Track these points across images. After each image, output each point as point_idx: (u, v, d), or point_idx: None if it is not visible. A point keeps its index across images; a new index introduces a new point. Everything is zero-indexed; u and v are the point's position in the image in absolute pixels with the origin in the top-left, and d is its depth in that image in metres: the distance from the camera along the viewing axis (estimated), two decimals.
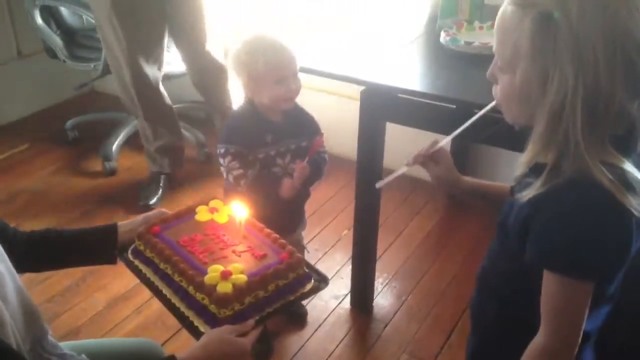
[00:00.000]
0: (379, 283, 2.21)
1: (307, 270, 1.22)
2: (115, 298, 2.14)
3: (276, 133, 1.68)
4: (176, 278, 1.16)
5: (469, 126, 1.25)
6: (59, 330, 1.97)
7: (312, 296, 1.22)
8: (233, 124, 1.69)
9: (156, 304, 2.09)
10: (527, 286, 0.96)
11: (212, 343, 1.06)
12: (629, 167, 0.88)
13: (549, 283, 0.93)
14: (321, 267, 1.32)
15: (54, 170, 2.90)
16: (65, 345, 1.20)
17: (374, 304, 2.13)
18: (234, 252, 1.22)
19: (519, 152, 1.28)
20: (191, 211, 1.35)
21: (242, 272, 1.14)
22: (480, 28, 1.95)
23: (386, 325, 2.05)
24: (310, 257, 2.01)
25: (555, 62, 0.85)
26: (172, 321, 1.99)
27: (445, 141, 1.25)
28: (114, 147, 2.88)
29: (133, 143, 3.06)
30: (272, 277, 1.14)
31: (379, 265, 2.16)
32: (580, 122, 0.85)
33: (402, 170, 1.28)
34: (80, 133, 3.12)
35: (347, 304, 2.13)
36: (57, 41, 2.75)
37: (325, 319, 2.07)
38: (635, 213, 0.86)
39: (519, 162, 0.94)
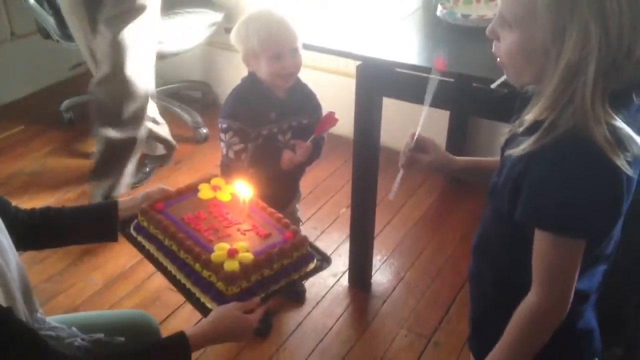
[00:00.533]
0: (377, 260, 2.21)
1: (310, 250, 1.23)
2: (112, 277, 2.14)
3: (280, 110, 1.67)
4: (182, 255, 1.17)
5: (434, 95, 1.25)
6: (57, 310, 1.96)
7: (314, 275, 1.23)
8: (237, 98, 1.67)
9: (154, 283, 2.09)
10: (521, 248, 0.96)
11: (221, 319, 1.08)
12: (619, 123, 0.87)
13: (540, 241, 0.93)
14: (319, 245, 1.33)
15: (49, 151, 2.89)
16: (55, 319, 1.21)
17: (372, 281, 2.13)
18: (238, 230, 1.23)
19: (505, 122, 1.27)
20: (193, 188, 1.35)
21: (247, 251, 1.15)
22: (478, 1, 1.93)
23: (384, 302, 2.06)
24: (308, 235, 1.98)
25: (575, 16, 0.83)
26: (171, 299, 2.02)
27: (420, 127, 1.25)
28: None
29: None
30: (277, 255, 1.16)
31: (376, 243, 2.15)
32: (593, 78, 0.83)
33: (400, 174, 1.29)
34: (75, 114, 3.10)
35: (345, 281, 2.13)
36: (50, 21, 2.72)
37: (324, 296, 2.07)
38: (624, 170, 0.85)
39: (524, 119, 0.93)
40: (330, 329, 1.95)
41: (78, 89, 3.34)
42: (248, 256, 1.13)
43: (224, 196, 1.33)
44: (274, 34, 1.60)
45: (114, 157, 2.38)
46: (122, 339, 1.25)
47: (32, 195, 2.56)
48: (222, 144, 1.67)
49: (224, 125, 1.64)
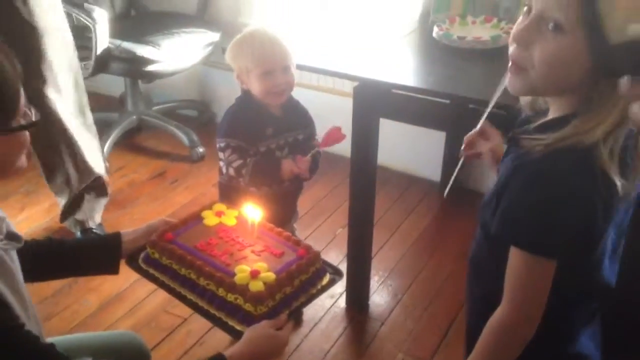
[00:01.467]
0: (374, 281, 2.19)
1: (322, 264, 1.26)
2: (107, 299, 2.11)
3: (276, 126, 1.69)
4: (202, 282, 1.17)
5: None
6: (50, 333, 1.91)
7: (330, 288, 1.25)
8: (234, 117, 1.69)
9: (149, 305, 2.07)
10: (505, 264, 0.96)
11: (257, 338, 1.09)
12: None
13: (513, 256, 0.93)
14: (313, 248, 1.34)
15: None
16: None
17: (369, 303, 2.11)
18: (253, 252, 1.24)
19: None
20: (197, 216, 1.35)
21: (267, 271, 1.17)
22: (473, 23, 1.94)
23: (382, 324, 2.04)
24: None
25: None
26: (166, 322, 1.99)
27: (486, 114, 1.20)
28: (106, 147, 2.84)
29: (125, 143, 3.04)
30: (296, 272, 1.18)
31: (374, 264, 2.14)
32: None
33: (460, 163, 1.26)
34: None
35: (342, 302, 2.11)
36: None
37: (321, 317, 2.05)
38: (619, 188, 0.85)
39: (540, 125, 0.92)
40: (327, 352, 1.93)
41: None
42: (270, 276, 1.15)
43: (229, 220, 1.33)
44: (266, 52, 1.62)
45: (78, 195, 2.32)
46: None
47: (28, 215, 2.55)
48: (222, 163, 1.68)
49: (222, 144, 1.65)
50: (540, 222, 0.88)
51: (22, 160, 1.04)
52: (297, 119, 1.75)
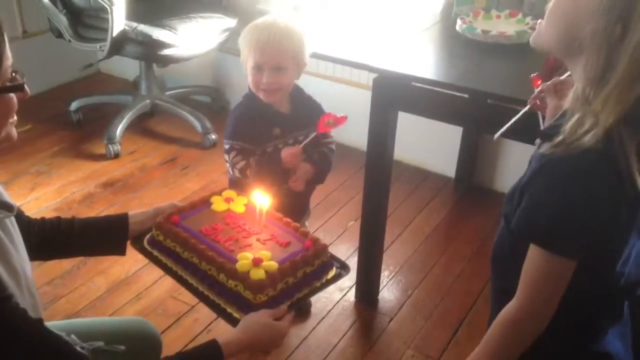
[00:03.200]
0: (384, 276, 2.16)
1: (329, 258, 1.24)
2: (116, 282, 2.10)
3: (283, 125, 1.64)
4: (203, 266, 1.16)
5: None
6: (57, 314, 1.93)
7: (335, 283, 1.24)
8: (239, 119, 1.64)
9: (158, 290, 2.06)
10: (521, 256, 0.95)
11: (253, 326, 1.07)
12: None
13: (532, 253, 0.92)
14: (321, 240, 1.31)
15: (56, 151, 2.86)
16: (54, 325, 1.18)
17: (379, 297, 2.09)
18: (258, 240, 1.22)
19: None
20: (206, 201, 1.34)
21: (270, 259, 1.15)
22: (498, 17, 1.90)
23: (391, 320, 2.01)
24: None
25: None
26: (173, 308, 1.98)
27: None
28: (118, 130, 2.83)
29: (138, 127, 3.02)
30: (300, 263, 1.16)
31: (385, 258, 2.11)
32: None
33: (522, 112, 1.20)
34: (84, 115, 3.08)
35: (351, 296, 2.09)
36: (62, 20, 2.70)
37: (329, 311, 2.03)
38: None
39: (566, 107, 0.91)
40: (335, 346, 1.90)
41: (88, 89, 3.33)
42: (273, 264, 1.13)
43: (237, 207, 1.32)
44: (260, 46, 1.54)
45: None
46: (123, 347, 1.23)
47: (38, 195, 2.54)
48: (227, 164, 1.65)
49: (227, 146, 1.63)
50: (562, 222, 0.88)
51: (11, 130, 1.01)
52: (308, 116, 1.66)
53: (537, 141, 1.00)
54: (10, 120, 1.00)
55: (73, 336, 1.19)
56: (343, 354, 1.88)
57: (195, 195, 2.59)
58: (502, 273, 1.09)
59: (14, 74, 0.97)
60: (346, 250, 2.28)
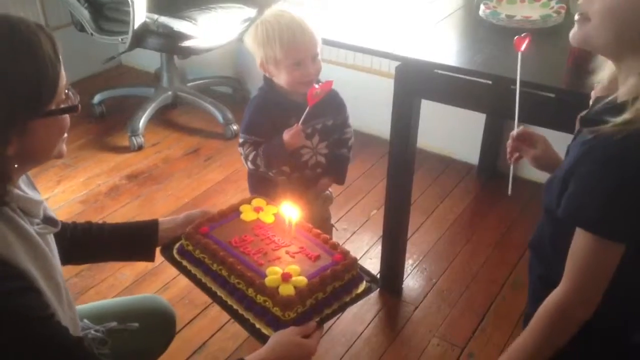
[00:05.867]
0: (408, 265, 2.16)
1: (359, 271, 1.21)
2: (142, 274, 2.12)
3: (300, 115, 1.62)
4: (232, 280, 1.15)
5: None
6: None
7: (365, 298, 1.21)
8: (254, 113, 1.62)
9: (184, 281, 2.06)
10: (565, 248, 0.94)
11: (282, 345, 1.06)
12: None
13: (579, 239, 0.92)
14: (349, 247, 1.30)
15: (80, 145, 2.89)
16: None
17: (403, 286, 2.09)
18: (287, 253, 1.20)
19: (561, 131, 1.23)
20: (235, 210, 1.33)
21: (300, 274, 1.13)
22: (522, 1, 1.87)
23: (416, 308, 2.01)
24: (338, 236, 1.96)
25: None
26: (199, 299, 2.00)
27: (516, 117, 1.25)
28: (141, 122, 2.85)
29: (160, 118, 3.05)
30: (330, 278, 1.13)
31: (408, 247, 2.11)
32: None
33: (511, 168, 1.28)
34: (107, 108, 3.11)
35: None
36: (84, 14, 2.72)
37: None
38: None
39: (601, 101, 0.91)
40: (359, 335, 1.91)
41: (111, 82, 3.36)
42: (302, 280, 1.11)
43: (267, 217, 1.31)
44: (297, 42, 1.51)
45: None
46: (136, 324, 1.25)
47: (64, 188, 2.57)
48: (242, 157, 1.65)
49: (241, 140, 1.63)
50: (611, 205, 0.87)
51: (62, 147, 1.02)
52: (325, 104, 1.62)
53: (579, 127, 0.99)
54: (62, 138, 1.01)
55: (86, 320, 1.21)
56: (368, 342, 1.89)
57: (219, 186, 2.61)
58: (541, 263, 1.08)
59: (67, 93, 0.97)
60: (369, 239, 2.28)
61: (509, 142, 1.24)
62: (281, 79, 1.56)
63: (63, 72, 0.96)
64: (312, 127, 1.63)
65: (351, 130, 1.72)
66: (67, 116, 0.98)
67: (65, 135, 1.02)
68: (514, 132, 1.23)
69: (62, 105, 0.96)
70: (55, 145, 1.00)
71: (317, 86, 1.48)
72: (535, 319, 0.98)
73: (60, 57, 0.95)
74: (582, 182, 0.89)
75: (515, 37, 1.29)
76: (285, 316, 1.08)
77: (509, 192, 1.30)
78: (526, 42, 1.26)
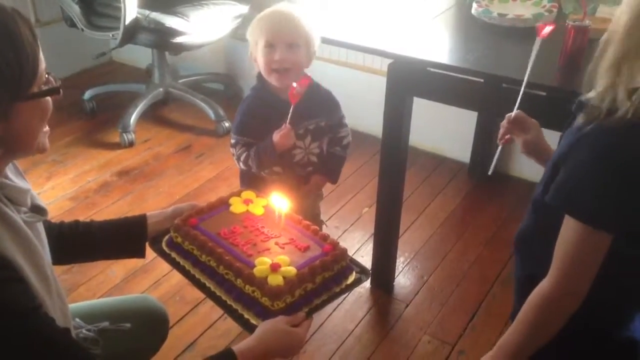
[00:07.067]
0: (400, 262, 2.16)
1: (349, 262, 1.21)
2: (133, 270, 2.11)
3: (292, 115, 1.61)
4: (221, 270, 1.15)
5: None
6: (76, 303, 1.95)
7: (355, 288, 1.22)
8: (245, 113, 1.62)
9: (174, 278, 2.07)
10: (552, 242, 0.94)
11: (269, 334, 1.05)
12: None
13: (567, 227, 0.91)
14: (342, 244, 1.29)
15: (70, 141, 2.88)
16: None
17: (394, 284, 2.09)
18: (276, 244, 1.20)
19: (552, 129, 1.24)
20: (224, 202, 1.32)
21: (289, 265, 1.13)
22: (514, 0, 1.87)
23: (407, 306, 2.01)
24: (329, 233, 1.94)
25: None
26: (191, 295, 1.99)
27: (518, 102, 1.24)
28: (132, 118, 2.84)
29: (151, 115, 3.03)
30: (319, 268, 1.14)
31: (400, 245, 2.11)
32: None
33: (498, 150, 1.29)
34: (97, 104, 3.09)
35: (367, 282, 2.09)
36: (75, 9, 2.70)
37: (345, 297, 2.03)
38: None
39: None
40: (351, 333, 1.91)
41: (101, 78, 3.34)
42: (291, 270, 1.11)
43: (256, 209, 1.30)
44: (274, 23, 1.54)
45: None
46: (128, 325, 1.24)
47: (54, 184, 2.55)
48: (234, 158, 1.65)
49: (233, 141, 1.63)
50: (603, 194, 0.86)
51: (44, 141, 1.01)
52: (318, 104, 1.64)
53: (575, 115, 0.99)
54: (44, 130, 1.00)
55: (77, 319, 1.20)
56: (359, 340, 1.89)
57: (210, 183, 2.60)
58: (528, 259, 1.07)
59: (47, 77, 0.96)
60: (361, 237, 2.28)
61: (504, 123, 1.24)
62: (259, 64, 1.57)
63: (42, 56, 0.95)
64: (304, 128, 1.63)
65: (347, 130, 1.71)
66: (49, 99, 0.97)
67: (47, 129, 1.01)
68: (511, 114, 1.23)
69: (44, 87, 0.95)
70: (39, 131, 0.98)
71: (295, 85, 1.47)
72: (524, 311, 0.98)
73: (38, 41, 0.94)
74: (574, 170, 0.88)
75: (538, 23, 1.28)
76: (274, 306, 1.08)
77: (490, 172, 1.30)
78: (548, 29, 1.24)
